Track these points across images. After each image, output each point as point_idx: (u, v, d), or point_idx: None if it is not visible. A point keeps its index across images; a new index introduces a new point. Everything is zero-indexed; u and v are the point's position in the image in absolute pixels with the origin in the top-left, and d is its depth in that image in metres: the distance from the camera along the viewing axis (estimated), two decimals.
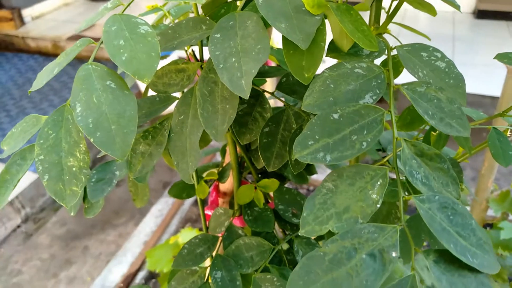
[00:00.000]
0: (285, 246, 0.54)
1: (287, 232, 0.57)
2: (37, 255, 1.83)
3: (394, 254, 0.26)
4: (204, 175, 0.58)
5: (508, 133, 0.45)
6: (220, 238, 0.52)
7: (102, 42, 0.32)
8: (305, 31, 0.32)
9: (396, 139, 0.30)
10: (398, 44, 0.38)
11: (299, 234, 0.28)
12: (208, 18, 0.37)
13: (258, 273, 0.47)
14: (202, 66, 0.38)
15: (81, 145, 0.30)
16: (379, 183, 0.28)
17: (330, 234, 0.29)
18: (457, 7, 0.39)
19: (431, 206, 0.27)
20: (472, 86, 2.32)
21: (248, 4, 0.37)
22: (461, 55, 2.72)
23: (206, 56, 0.43)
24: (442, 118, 0.31)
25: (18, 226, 1.97)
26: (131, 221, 1.95)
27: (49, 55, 3.39)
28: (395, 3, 0.40)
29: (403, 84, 0.32)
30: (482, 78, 2.44)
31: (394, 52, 0.37)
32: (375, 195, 0.28)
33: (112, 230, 1.93)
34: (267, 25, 0.33)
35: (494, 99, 2.24)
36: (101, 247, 1.86)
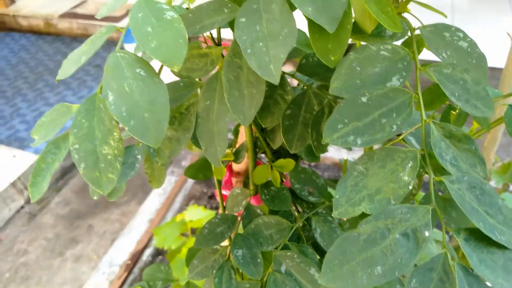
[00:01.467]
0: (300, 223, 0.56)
1: (301, 210, 0.58)
2: (42, 235, 1.85)
3: (427, 234, 0.27)
4: None
5: None
6: (239, 218, 0.54)
7: (127, 29, 0.32)
8: (332, 15, 0.32)
9: (424, 121, 0.30)
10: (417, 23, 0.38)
11: (332, 215, 0.29)
12: (229, 1, 0.37)
13: (278, 251, 0.48)
14: (224, 51, 0.38)
15: (115, 133, 0.30)
16: (409, 165, 0.29)
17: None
18: None
19: (460, 186, 0.28)
20: None
21: None
22: (461, 26, 2.70)
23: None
24: (468, 100, 0.31)
25: (22, 207, 1.98)
26: (134, 200, 1.97)
27: (42, 34, 3.32)
28: None
29: (429, 66, 0.33)
30: (482, 49, 2.42)
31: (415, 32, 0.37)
32: (407, 177, 0.28)
33: (115, 208, 1.95)
34: (292, 8, 0.33)
35: (494, 70, 2.23)
36: (105, 225, 1.88)
